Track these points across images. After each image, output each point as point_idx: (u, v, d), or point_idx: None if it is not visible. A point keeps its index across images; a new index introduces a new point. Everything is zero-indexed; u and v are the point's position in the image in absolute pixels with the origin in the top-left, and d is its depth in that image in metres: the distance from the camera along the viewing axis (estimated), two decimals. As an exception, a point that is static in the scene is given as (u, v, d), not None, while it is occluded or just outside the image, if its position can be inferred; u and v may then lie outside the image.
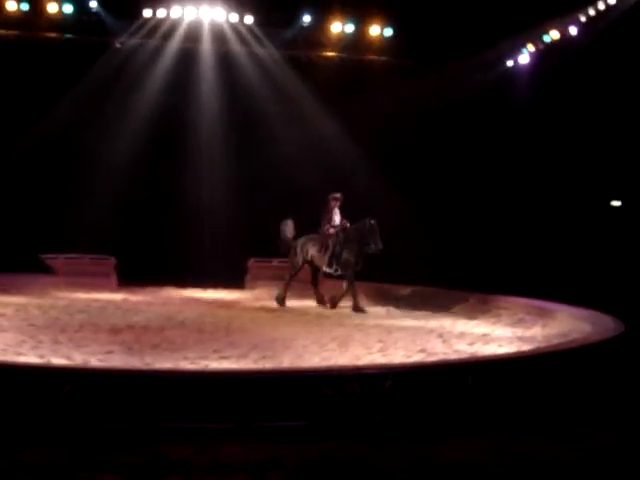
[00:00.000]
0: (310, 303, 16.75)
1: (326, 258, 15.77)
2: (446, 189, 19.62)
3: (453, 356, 9.83)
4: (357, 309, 15.20)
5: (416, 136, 19.90)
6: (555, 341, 10.71)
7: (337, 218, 15.96)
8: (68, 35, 18.66)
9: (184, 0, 18.49)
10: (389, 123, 19.40)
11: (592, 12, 17.19)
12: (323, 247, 15.88)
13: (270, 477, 5.37)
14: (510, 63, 20.11)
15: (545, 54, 18.88)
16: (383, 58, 19.89)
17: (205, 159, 20.17)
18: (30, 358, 8.95)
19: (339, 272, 15.75)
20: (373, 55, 19.85)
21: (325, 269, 15.95)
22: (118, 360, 9.06)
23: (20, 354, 9.20)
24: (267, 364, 9.02)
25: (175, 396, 6.55)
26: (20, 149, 18.58)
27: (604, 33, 16.76)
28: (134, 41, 19.09)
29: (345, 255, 15.56)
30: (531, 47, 19.25)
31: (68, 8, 18.27)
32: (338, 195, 15.87)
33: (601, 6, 16.91)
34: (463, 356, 9.79)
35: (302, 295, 17.58)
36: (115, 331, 11.52)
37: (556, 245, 17.72)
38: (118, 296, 16.93)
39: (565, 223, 18.05)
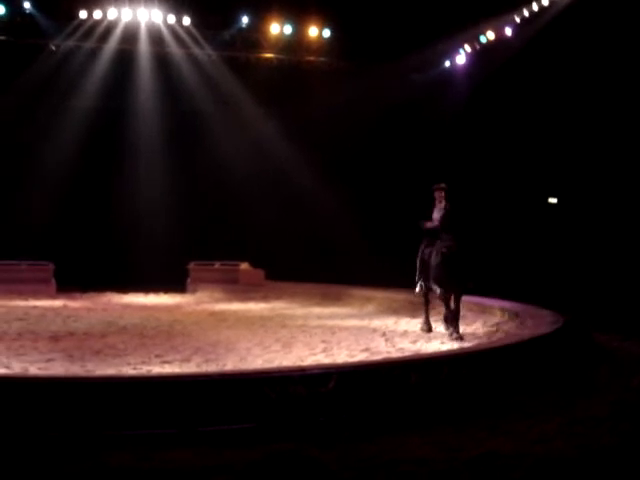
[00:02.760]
0: (252, 306, 16.71)
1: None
2: (387, 188, 19.77)
3: (396, 354, 9.91)
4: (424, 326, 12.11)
5: (355, 136, 20.03)
6: (496, 337, 10.87)
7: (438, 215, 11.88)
8: (1, 37, 18.28)
9: (121, 1, 18.27)
10: (328, 123, 19.48)
11: (526, 13, 17.49)
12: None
13: (216, 481, 5.34)
14: (447, 63, 20.35)
15: (482, 54, 19.15)
16: (322, 59, 19.97)
17: (144, 160, 20.00)
18: (-33, 368, 8.75)
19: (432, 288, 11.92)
20: (311, 56, 19.91)
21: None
22: (59, 368, 8.92)
23: (-44, 364, 9.00)
24: (210, 367, 8.97)
25: (118, 402, 6.47)
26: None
27: (538, 34, 17.07)
28: (70, 43, 18.81)
29: (433, 264, 11.70)
30: (468, 47, 19.51)
31: (1, 9, 17.91)
32: (442, 185, 12.05)
33: (535, 7, 17.22)
34: (406, 354, 9.87)
35: (245, 298, 17.55)
36: (55, 338, 11.33)
37: (495, 242, 17.97)
38: (57, 303, 16.66)
39: (504, 220, 18.32)
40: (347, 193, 19.60)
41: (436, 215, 11.88)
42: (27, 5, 18.05)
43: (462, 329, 12.56)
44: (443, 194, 11.94)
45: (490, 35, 18.59)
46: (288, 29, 19.27)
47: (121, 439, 6.19)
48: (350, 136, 19.93)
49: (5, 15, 18.03)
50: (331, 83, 19.64)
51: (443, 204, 11.84)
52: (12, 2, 18.03)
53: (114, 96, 19.73)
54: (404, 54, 18.69)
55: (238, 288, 18.52)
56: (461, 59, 19.88)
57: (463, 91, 19.55)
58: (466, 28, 18.40)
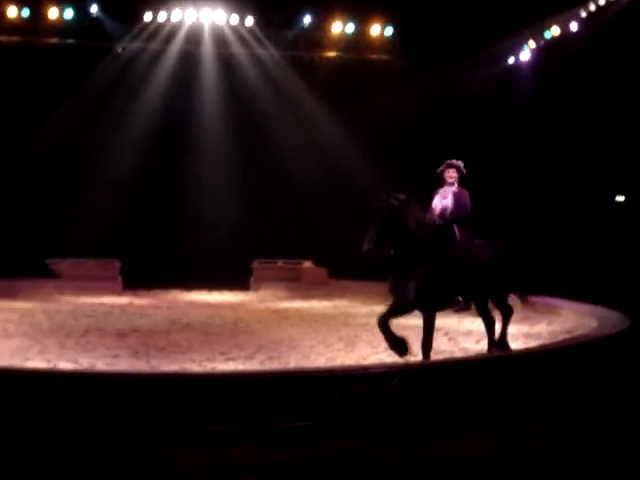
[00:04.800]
0: (315, 304, 16.72)
1: None
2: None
3: (459, 354, 9.83)
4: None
5: (418, 134, 19.91)
6: (560, 337, 10.71)
7: (440, 203, 9.54)
8: (69, 40, 18.68)
9: (184, 3, 18.50)
10: (391, 121, 19.42)
11: (592, 7, 17.17)
12: None
13: (280, 478, 5.37)
14: (511, 60, 20.09)
15: (546, 50, 18.86)
16: (384, 57, 19.89)
17: (208, 160, 20.19)
18: (37, 363, 8.98)
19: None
20: (374, 54, 19.85)
21: None
22: (124, 364, 9.09)
23: (27, 359, 9.24)
24: (273, 365, 9.03)
25: (182, 399, 6.55)
26: (24, 154, 18.62)
27: (604, 28, 16.75)
28: (135, 45, 19.12)
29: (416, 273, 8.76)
30: (532, 43, 19.23)
31: (69, 13, 18.31)
32: (452, 162, 9.72)
33: (601, 1, 16.90)
34: (470, 354, 9.79)
35: (308, 296, 17.59)
36: (121, 335, 11.54)
37: (560, 241, 17.71)
38: (123, 300, 16.95)
39: (570, 218, 18.03)
40: (410, 191, 19.48)
41: (439, 203, 9.50)
42: (94, 9, 18.42)
43: (527, 329, 12.42)
44: (456, 175, 9.54)
45: (555, 30, 18.29)
46: (350, 27, 19.27)
47: (186, 435, 6.27)
48: (413, 134, 19.81)
49: (73, 19, 18.44)
50: (394, 81, 19.55)
51: (449, 189, 9.49)
52: (79, 6, 18.41)
53: (179, 97, 19.98)
54: (467, 51, 18.51)
55: (301, 286, 18.57)
56: (525, 55, 19.60)
57: (527, 87, 19.29)
58: (531, 24, 18.14)
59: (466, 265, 8.99)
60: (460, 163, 9.63)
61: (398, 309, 9.05)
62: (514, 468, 5.65)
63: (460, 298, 9.16)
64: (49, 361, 9.10)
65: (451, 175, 9.55)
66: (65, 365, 8.83)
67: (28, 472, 5.44)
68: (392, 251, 8.71)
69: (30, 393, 6.50)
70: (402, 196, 9.16)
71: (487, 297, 9.58)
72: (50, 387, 6.56)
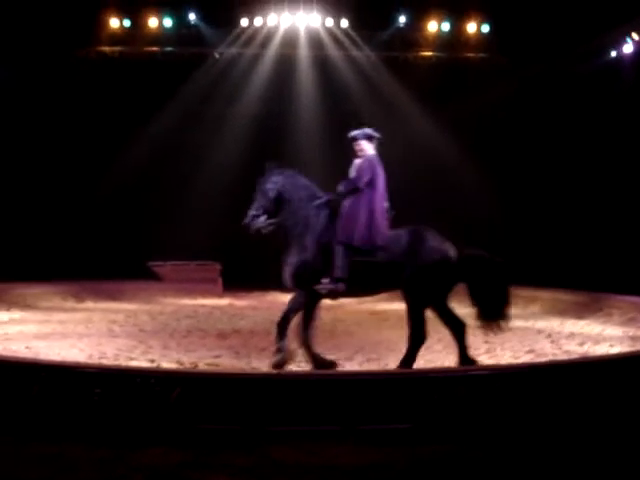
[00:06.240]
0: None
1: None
2: (548, 186, 19.18)
3: (563, 357, 9.60)
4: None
5: (516, 133, 19.57)
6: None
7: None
8: (168, 48, 19.15)
9: (280, 7, 18.70)
10: (489, 119, 19.15)
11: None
12: None
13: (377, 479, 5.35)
14: (613, 53, 19.47)
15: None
16: (481, 55, 19.63)
17: (305, 162, 20.31)
18: (141, 362, 9.19)
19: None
20: (471, 53, 19.62)
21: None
22: (226, 364, 9.22)
23: (132, 359, 9.48)
24: (372, 366, 9.00)
25: (283, 399, 6.60)
26: (126, 160, 19.16)
27: None
28: (232, 50, 19.44)
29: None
30: (635, 36, 18.59)
31: (168, 22, 18.81)
32: (350, 137, 9.18)
33: None
34: (573, 357, 9.54)
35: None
36: (222, 336, 11.73)
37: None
38: (224, 301, 17.24)
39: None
40: (508, 191, 19.18)
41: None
42: (192, 17, 18.84)
43: (633, 332, 12.02)
44: (365, 145, 8.98)
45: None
46: (446, 26, 19.11)
47: (285, 435, 6.31)
48: (512, 132, 19.48)
49: (172, 28, 18.91)
50: (491, 79, 19.28)
51: (356, 162, 8.94)
52: (178, 15, 18.89)
53: (276, 100, 20.20)
54: (566, 47, 18.07)
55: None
56: (628, 48, 18.97)
57: (630, 81, 18.68)
58: (635, 15, 17.54)
59: (344, 245, 8.60)
60: (358, 132, 9.00)
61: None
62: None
63: (327, 280, 8.47)
64: (153, 361, 9.30)
65: (357, 149, 9.00)
66: (168, 365, 9.02)
67: (132, 469, 5.57)
68: (272, 227, 8.83)
69: (135, 392, 6.66)
70: (288, 171, 9.11)
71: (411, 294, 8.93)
72: (155, 386, 6.69)
